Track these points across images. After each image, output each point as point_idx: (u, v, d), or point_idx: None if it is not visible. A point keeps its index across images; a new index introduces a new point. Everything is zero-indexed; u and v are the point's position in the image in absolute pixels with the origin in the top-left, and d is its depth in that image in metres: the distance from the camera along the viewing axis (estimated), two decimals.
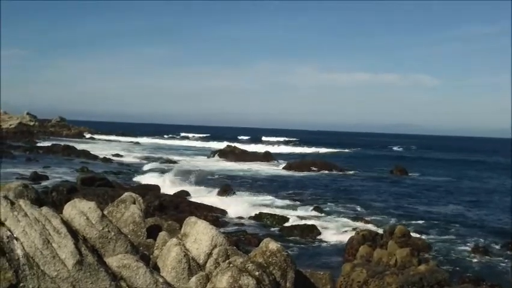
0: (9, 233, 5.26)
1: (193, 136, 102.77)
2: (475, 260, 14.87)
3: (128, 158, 45.35)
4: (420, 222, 20.07)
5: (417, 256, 13.13)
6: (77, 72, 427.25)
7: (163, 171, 31.89)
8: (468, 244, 16.52)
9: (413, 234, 16.37)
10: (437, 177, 40.83)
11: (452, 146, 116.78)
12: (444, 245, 16.51)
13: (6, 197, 5.65)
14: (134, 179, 29.30)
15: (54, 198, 17.65)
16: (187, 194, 23.93)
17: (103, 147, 58.49)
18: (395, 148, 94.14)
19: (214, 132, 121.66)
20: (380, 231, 16.31)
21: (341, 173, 40.19)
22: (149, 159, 45.03)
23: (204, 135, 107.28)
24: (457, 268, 13.86)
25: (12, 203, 5.60)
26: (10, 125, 78.89)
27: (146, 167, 36.79)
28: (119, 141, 74.94)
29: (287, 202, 23.57)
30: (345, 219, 19.84)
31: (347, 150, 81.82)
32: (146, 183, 26.32)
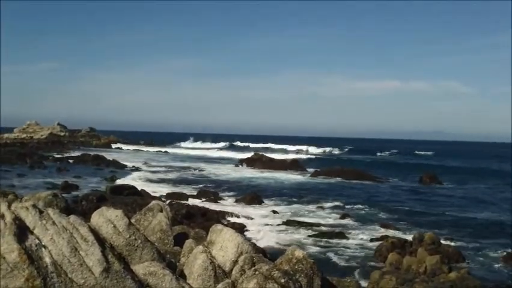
0: (37, 241, 5.35)
1: (225, 145, 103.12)
2: (507, 268, 14.54)
3: (155, 168, 45.70)
4: (451, 229, 19.73)
5: (448, 264, 12.93)
6: (107, 83, 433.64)
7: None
8: (500, 252, 16.14)
9: (443, 242, 16.10)
10: (468, 185, 40.14)
11: (485, 151, 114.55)
12: (476, 252, 16.20)
13: (35, 206, 5.74)
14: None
15: (84, 207, 17.92)
16: (215, 201, 24.08)
17: (132, 156, 59.18)
18: (424, 155, 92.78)
19: (233, 140, 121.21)
20: (409, 238, 16.10)
21: (369, 180, 39.73)
22: (176, 168, 45.44)
23: (224, 143, 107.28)
24: (489, 276, 13.55)
25: (41, 212, 5.69)
26: (41, 135, 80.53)
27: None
28: (148, 151, 75.65)
29: (314, 209, 23.49)
30: (374, 226, 19.67)
31: (376, 156, 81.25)
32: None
